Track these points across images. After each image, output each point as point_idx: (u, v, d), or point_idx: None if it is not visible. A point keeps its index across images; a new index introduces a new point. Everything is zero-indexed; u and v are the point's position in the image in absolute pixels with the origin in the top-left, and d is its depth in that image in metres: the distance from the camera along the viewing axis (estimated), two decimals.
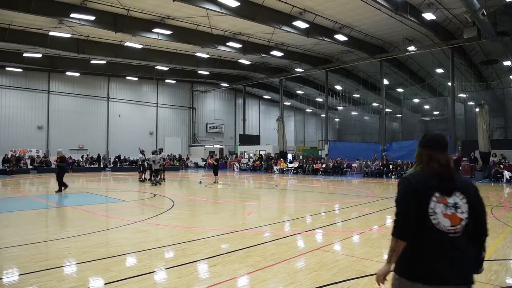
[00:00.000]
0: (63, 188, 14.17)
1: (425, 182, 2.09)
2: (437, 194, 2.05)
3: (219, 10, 19.28)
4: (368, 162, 25.93)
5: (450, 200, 2.06)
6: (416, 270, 2.03)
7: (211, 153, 37.33)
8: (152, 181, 17.73)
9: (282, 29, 22.16)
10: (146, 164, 20.16)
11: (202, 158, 38.84)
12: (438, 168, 2.08)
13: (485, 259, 2.21)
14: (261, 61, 32.99)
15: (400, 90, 36.70)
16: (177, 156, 37.73)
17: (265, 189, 18.09)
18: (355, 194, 15.10)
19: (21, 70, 29.94)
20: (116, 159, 33.82)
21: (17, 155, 29.31)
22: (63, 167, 14.64)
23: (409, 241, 2.07)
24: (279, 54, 28.11)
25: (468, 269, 2.06)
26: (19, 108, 30.47)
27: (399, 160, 25.20)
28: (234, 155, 40.66)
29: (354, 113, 41.07)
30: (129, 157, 34.11)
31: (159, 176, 18.69)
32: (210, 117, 43.81)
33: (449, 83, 26.60)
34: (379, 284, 2.20)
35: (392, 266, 2.15)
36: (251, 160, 35.67)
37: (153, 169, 17.96)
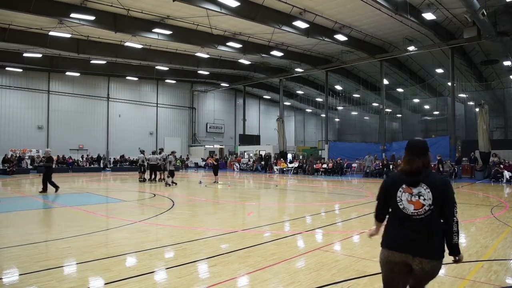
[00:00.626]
0: (54, 190, 13.88)
1: (397, 177, 2.78)
2: (404, 186, 2.68)
3: (219, 10, 19.28)
4: (367, 157, 25.78)
5: (415, 190, 2.63)
6: (386, 240, 2.75)
7: (211, 153, 37.34)
8: (166, 182, 17.56)
9: (282, 29, 22.16)
10: (146, 164, 20.19)
11: (202, 158, 38.85)
12: (409, 166, 2.68)
13: (458, 242, 2.61)
14: (261, 61, 32.99)
15: (400, 90, 36.69)
16: (178, 157, 37.77)
17: (265, 189, 18.10)
18: (355, 194, 15.10)
19: (21, 70, 29.95)
20: (119, 159, 33.81)
21: (18, 155, 29.34)
22: (50, 167, 14.38)
23: (388, 220, 2.81)
24: (279, 54, 28.10)
25: (433, 247, 2.57)
26: (19, 108, 30.47)
27: (399, 160, 25.18)
28: (234, 155, 40.67)
29: (354, 113, 41.05)
30: (129, 157, 34.08)
31: (164, 177, 18.69)
32: (210, 117, 43.81)
33: (449, 83, 26.59)
34: (369, 236, 3.08)
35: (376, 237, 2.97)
36: (251, 160, 35.69)
37: (168, 170, 17.80)
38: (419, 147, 2.73)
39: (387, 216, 2.83)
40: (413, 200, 2.61)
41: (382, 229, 2.91)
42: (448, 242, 2.60)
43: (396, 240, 2.66)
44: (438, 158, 22.06)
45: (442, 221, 2.61)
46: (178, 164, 18.57)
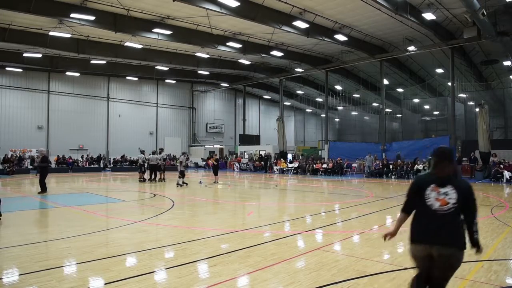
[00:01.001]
0: (41, 190, 13.66)
1: (427, 177, 3.16)
2: (432, 185, 3.05)
3: (219, 10, 19.27)
4: (367, 157, 25.72)
5: (442, 190, 3.01)
6: (415, 235, 3.08)
7: (211, 153, 37.33)
8: (177, 182, 17.51)
9: (282, 29, 22.15)
10: (146, 164, 20.19)
11: (202, 158, 38.84)
12: (441, 171, 3.09)
13: (479, 238, 3.02)
14: (261, 61, 32.99)
15: (400, 90, 36.68)
16: (178, 157, 37.76)
17: (265, 189, 18.10)
18: (355, 194, 15.10)
19: (21, 70, 29.94)
20: (119, 159, 33.80)
21: (18, 155, 29.34)
22: (45, 167, 14.14)
23: (414, 216, 3.15)
24: (279, 54, 28.10)
25: (451, 237, 2.95)
26: (19, 108, 30.47)
27: (399, 160, 25.19)
28: (234, 155, 40.67)
29: (354, 113, 41.06)
30: (130, 157, 34.02)
31: (164, 177, 18.63)
32: (210, 117, 43.81)
33: (449, 83, 26.58)
34: (384, 239, 3.32)
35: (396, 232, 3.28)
36: (253, 159, 35.73)
37: (179, 170, 17.81)
38: (451, 154, 3.19)
39: (413, 214, 3.19)
40: (440, 198, 3.01)
41: (399, 228, 3.26)
42: (470, 236, 3.00)
43: (421, 233, 3.04)
44: (429, 157, 22.10)
45: (462, 218, 3.01)
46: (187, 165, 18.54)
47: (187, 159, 19.89)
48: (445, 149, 3.19)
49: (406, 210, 3.23)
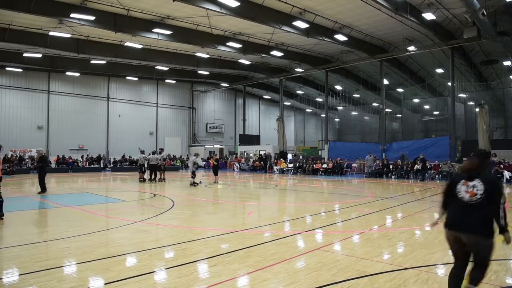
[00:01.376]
0: (40, 190, 13.65)
1: (459, 175, 3.76)
2: (463, 180, 3.59)
3: (219, 10, 19.28)
4: (368, 156, 25.63)
5: (471, 183, 3.51)
6: (447, 221, 3.63)
7: (211, 153, 37.33)
8: (191, 182, 17.56)
9: (282, 29, 22.16)
10: (146, 164, 20.19)
11: (202, 158, 38.82)
12: (467, 166, 3.71)
13: (505, 226, 3.39)
14: (261, 61, 32.99)
15: (400, 90, 36.68)
16: (178, 157, 37.80)
17: (265, 189, 18.10)
18: (355, 194, 15.10)
19: (21, 70, 29.94)
20: (120, 159, 33.78)
21: (19, 155, 29.34)
22: (43, 167, 14.05)
23: (450, 207, 3.70)
24: (279, 54, 28.10)
25: (477, 226, 3.38)
26: (19, 108, 30.47)
27: (399, 160, 25.19)
28: (234, 155, 40.66)
29: (354, 113, 41.06)
30: (130, 156, 34.02)
31: (164, 177, 18.73)
32: (210, 117, 43.81)
33: (449, 83, 26.59)
34: (431, 228, 4.08)
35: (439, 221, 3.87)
36: (251, 160, 35.70)
37: (191, 170, 17.99)
38: (480, 152, 3.81)
39: (450, 205, 3.73)
40: (469, 190, 3.50)
41: (443, 218, 3.78)
42: (497, 223, 3.38)
43: (454, 221, 3.57)
44: (422, 157, 22.21)
45: (490, 207, 3.40)
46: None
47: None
48: (477, 149, 3.87)
49: (444, 206, 3.81)
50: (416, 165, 22.40)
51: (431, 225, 4.01)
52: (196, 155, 19.16)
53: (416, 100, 38.64)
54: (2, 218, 8.24)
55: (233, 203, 12.45)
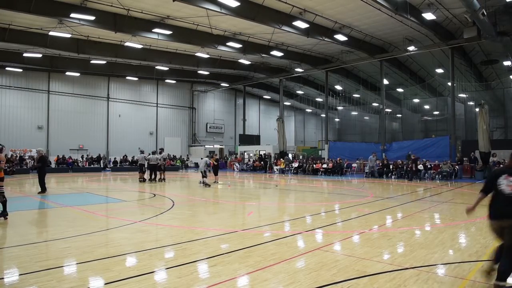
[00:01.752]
0: (40, 190, 13.65)
1: (502, 169, 4.26)
2: (504, 175, 4.04)
3: (219, 10, 19.28)
4: (371, 157, 25.41)
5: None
6: (492, 213, 4.10)
7: (211, 153, 37.33)
8: (203, 182, 17.56)
9: (282, 29, 22.16)
10: (146, 164, 20.19)
11: (202, 158, 38.78)
12: (510, 163, 4.20)
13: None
14: (261, 61, 32.99)
15: (400, 90, 36.70)
16: (178, 157, 37.79)
17: (264, 189, 18.10)
18: (355, 194, 15.10)
19: (21, 70, 29.96)
20: (121, 159, 33.75)
21: (19, 155, 29.33)
22: (42, 167, 14.05)
23: (491, 199, 4.12)
24: (279, 54, 28.11)
25: None
26: (19, 108, 30.48)
27: (399, 160, 25.15)
28: (234, 155, 40.66)
29: (354, 113, 41.06)
30: (133, 157, 33.94)
31: (164, 177, 18.81)
32: (210, 117, 43.82)
33: (449, 83, 26.59)
34: (467, 214, 4.45)
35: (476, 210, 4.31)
36: (251, 160, 35.69)
37: (203, 170, 17.88)
38: None
39: (491, 197, 4.15)
40: (510, 184, 3.97)
41: (477, 205, 4.25)
42: None
43: (495, 212, 4.05)
44: (413, 157, 22.17)
45: None
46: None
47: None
48: None
49: (484, 190, 4.20)
50: (418, 166, 22.26)
51: (467, 211, 4.34)
52: (211, 154, 18.93)
53: (416, 100, 38.64)
54: (7, 218, 8.27)
55: (233, 203, 12.45)
